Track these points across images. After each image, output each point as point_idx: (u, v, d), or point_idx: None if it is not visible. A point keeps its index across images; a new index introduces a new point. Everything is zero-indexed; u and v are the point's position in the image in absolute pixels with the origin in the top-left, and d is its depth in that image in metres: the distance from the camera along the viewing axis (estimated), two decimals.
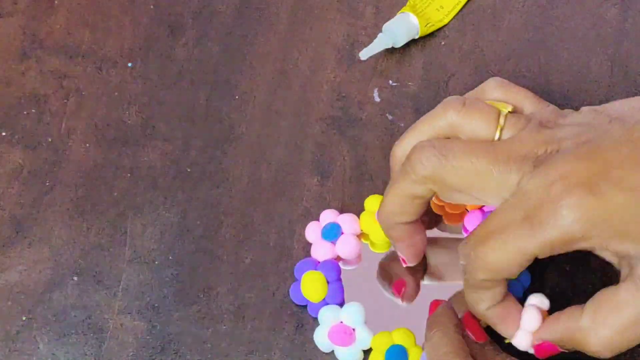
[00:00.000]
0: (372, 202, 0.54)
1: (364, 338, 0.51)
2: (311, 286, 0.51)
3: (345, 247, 0.53)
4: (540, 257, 0.44)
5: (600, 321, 0.44)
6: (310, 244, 0.54)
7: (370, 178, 0.56)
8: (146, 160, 0.57)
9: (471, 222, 0.54)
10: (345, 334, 0.50)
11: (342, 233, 0.53)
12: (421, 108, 0.58)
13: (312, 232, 0.54)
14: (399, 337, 0.50)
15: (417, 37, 0.60)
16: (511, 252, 0.44)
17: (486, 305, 0.47)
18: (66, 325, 0.52)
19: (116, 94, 0.59)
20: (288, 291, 0.53)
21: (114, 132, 0.58)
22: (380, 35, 0.59)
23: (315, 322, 0.52)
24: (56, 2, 0.62)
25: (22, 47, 0.61)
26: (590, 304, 0.45)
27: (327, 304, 0.52)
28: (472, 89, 0.58)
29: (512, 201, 0.45)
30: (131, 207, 0.56)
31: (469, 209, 0.54)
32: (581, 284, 0.53)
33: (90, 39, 0.61)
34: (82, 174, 0.57)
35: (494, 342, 0.48)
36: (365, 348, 0.51)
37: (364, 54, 0.59)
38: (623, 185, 0.42)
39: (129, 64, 0.60)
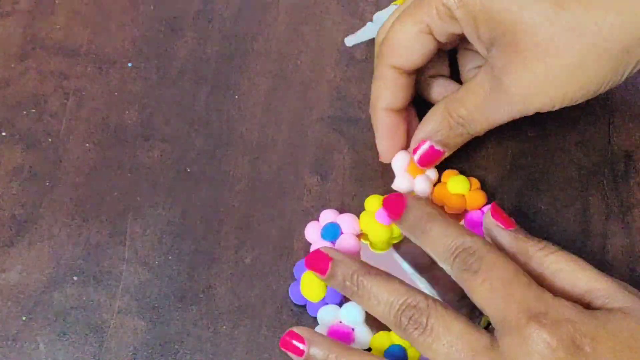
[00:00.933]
0: (371, 202, 0.54)
1: (363, 338, 0.51)
2: (310, 286, 0.51)
3: (345, 247, 0.53)
4: (434, 30, 0.50)
5: (459, 97, 0.51)
6: (310, 244, 0.54)
7: (370, 178, 0.56)
8: (146, 160, 0.57)
9: (471, 222, 0.54)
10: (344, 334, 0.50)
11: (342, 233, 0.53)
12: (420, 107, 0.57)
13: (312, 232, 0.54)
14: (398, 337, 0.50)
15: None
16: (406, 23, 0.51)
17: (385, 102, 0.53)
18: (66, 325, 0.52)
19: (116, 94, 0.59)
20: (287, 291, 0.53)
21: (114, 132, 0.58)
22: (369, 23, 0.59)
23: (314, 321, 0.52)
24: (56, 2, 0.62)
25: (22, 47, 0.61)
26: (455, 91, 0.52)
27: (327, 303, 0.52)
28: None
29: None
30: (131, 207, 0.56)
31: (468, 209, 0.54)
32: None
33: (90, 39, 0.61)
34: (82, 174, 0.57)
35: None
36: (365, 348, 0.51)
37: (350, 40, 0.59)
38: None
39: (129, 64, 0.60)
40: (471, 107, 0.51)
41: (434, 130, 0.52)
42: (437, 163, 0.54)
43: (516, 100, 0.49)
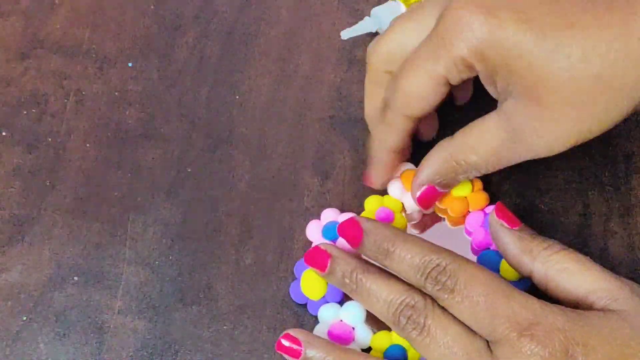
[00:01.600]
0: (372, 202, 0.54)
1: (363, 337, 0.51)
2: (311, 284, 0.51)
3: (346, 246, 0.53)
4: (450, 80, 0.48)
5: (469, 145, 0.49)
6: (310, 243, 0.54)
7: None
8: (146, 160, 0.57)
9: (473, 223, 0.54)
10: (344, 333, 0.50)
11: None
12: None
13: (313, 230, 0.54)
14: (398, 337, 0.50)
15: None
16: (422, 74, 0.49)
17: (388, 144, 0.52)
18: (66, 325, 0.52)
19: (116, 93, 0.59)
20: (288, 290, 0.53)
21: (114, 132, 0.58)
22: (366, 18, 0.59)
23: (315, 320, 0.52)
24: (56, 2, 0.62)
25: (22, 47, 0.61)
26: (460, 132, 0.50)
27: (327, 302, 0.52)
28: (473, 89, 0.58)
29: (429, 35, 0.49)
30: (131, 207, 0.56)
31: (470, 210, 0.54)
32: None
33: (90, 39, 0.61)
34: (82, 173, 0.57)
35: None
36: (365, 347, 0.51)
37: (346, 33, 0.59)
38: (519, 16, 0.45)
39: (129, 64, 0.60)
40: (483, 154, 0.49)
41: (438, 175, 0.51)
42: (437, 201, 0.53)
43: (536, 149, 0.48)
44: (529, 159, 0.49)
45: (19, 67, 0.60)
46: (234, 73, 0.60)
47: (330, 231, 0.53)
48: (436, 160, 0.51)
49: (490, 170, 0.50)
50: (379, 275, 0.48)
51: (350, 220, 0.49)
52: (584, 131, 0.47)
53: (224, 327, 0.52)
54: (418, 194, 0.52)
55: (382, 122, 0.52)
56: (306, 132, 0.58)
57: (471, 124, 0.50)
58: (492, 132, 0.48)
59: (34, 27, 0.61)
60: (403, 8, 0.59)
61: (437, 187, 0.52)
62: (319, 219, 0.54)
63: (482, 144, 0.49)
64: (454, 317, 0.45)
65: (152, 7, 0.62)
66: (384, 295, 0.47)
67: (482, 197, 0.54)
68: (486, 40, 0.46)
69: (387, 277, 0.48)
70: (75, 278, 0.54)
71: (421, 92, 0.49)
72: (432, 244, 0.47)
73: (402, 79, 0.50)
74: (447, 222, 0.55)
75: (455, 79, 0.49)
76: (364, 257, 0.50)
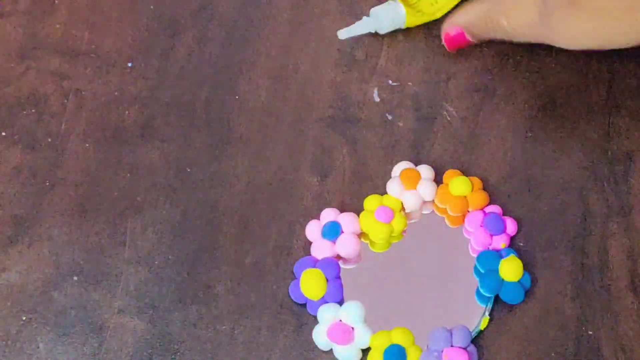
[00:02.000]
0: (371, 202, 0.54)
1: (362, 337, 0.51)
2: (310, 284, 0.51)
3: (345, 246, 0.53)
4: None
5: (503, 9, 0.53)
6: (310, 244, 0.54)
7: (369, 178, 0.56)
8: (146, 160, 0.57)
9: (473, 222, 0.54)
10: (344, 333, 0.50)
11: (342, 232, 0.53)
12: (421, 108, 0.58)
13: (313, 230, 0.54)
14: (397, 337, 0.50)
15: (403, 27, 0.59)
16: None
17: None
18: (66, 325, 0.52)
19: (116, 93, 0.59)
20: (288, 290, 0.53)
21: (114, 132, 0.58)
22: (365, 18, 0.59)
23: (314, 321, 0.52)
24: (56, 2, 0.62)
25: (22, 47, 0.61)
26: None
27: (327, 302, 0.52)
28: (473, 89, 0.58)
29: None
30: (131, 207, 0.56)
31: (470, 209, 0.54)
32: (579, 279, 0.53)
33: (90, 39, 0.61)
34: (82, 173, 0.57)
35: None
36: (364, 347, 0.51)
37: (343, 33, 0.59)
38: None
39: (129, 64, 0.60)
40: (513, 22, 0.53)
41: (471, 23, 0.56)
42: (462, 47, 0.58)
43: (560, 39, 0.51)
44: (551, 44, 0.52)
45: (19, 67, 0.60)
46: (234, 73, 0.60)
47: (329, 231, 0.53)
48: (472, 11, 0.56)
49: (516, 40, 0.55)
50: None
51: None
52: (611, 38, 0.49)
53: (224, 327, 0.52)
54: (450, 32, 0.57)
55: None
56: (305, 132, 0.58)
57: None
58: (525, 6, 0.52)
59: (34, 27, 0.61)
60: (402, 8, 0.59)
61: (466, 34, 0.56)
62: (319, 218, 0.54)
63: (514, 12, 0.53)
64: None
65: (151, 7, 0.62)
66: None
67: (481, 196, 0.54)
68: None
69: None
70: (75, 278, 0.54)
71: None
72: None
73: None
74: (446, 222, 0.55)
75: None
76: None
